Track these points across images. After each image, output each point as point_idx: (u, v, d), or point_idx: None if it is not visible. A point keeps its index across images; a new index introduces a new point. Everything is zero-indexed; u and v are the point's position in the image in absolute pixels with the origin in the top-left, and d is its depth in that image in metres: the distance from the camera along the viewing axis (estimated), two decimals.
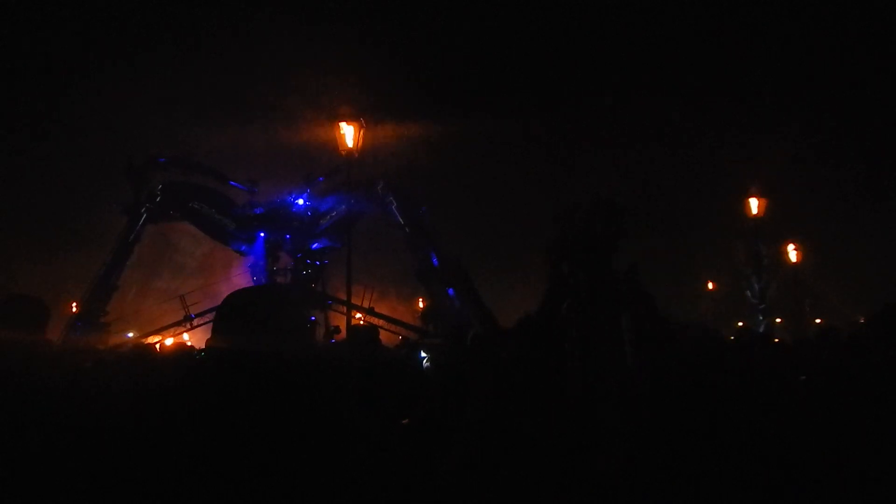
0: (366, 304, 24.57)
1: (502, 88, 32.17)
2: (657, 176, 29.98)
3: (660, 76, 32.60)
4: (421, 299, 28.01)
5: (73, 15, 27.90)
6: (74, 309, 23.95)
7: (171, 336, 22.17)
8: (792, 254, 23.92)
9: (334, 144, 19.36)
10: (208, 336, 1.83)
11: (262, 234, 26.16)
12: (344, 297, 23.22)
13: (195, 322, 23.92)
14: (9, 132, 24.47)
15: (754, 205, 20.90)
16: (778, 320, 26.66)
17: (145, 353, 5.89)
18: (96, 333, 20.31)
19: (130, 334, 22.21)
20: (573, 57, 33.18)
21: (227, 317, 1.83)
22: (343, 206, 25.34)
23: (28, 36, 27.03)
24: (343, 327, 17.77)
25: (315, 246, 26.84)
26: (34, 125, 26.38)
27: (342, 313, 21.97)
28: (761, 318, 24.25)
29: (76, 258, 24.81)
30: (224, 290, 25.20)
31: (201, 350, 10.52)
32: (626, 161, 29.77)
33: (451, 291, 25.55)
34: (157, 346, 11.92)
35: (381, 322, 22.94)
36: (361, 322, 19.04)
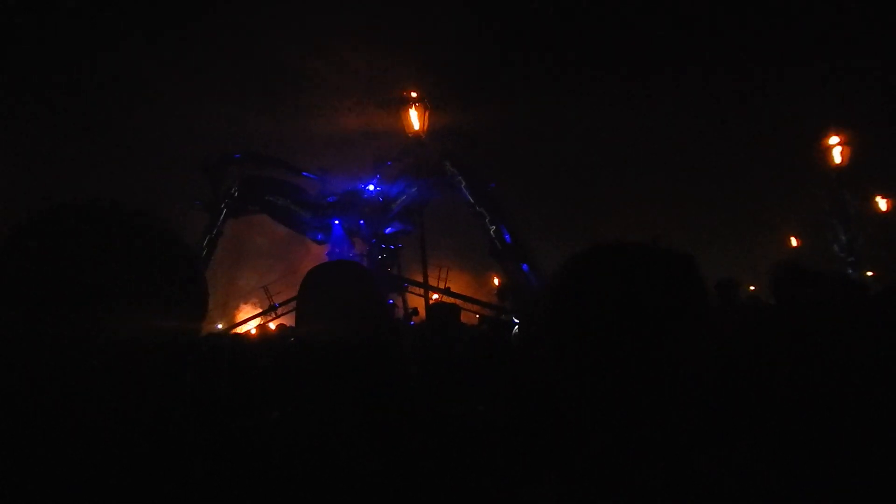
0: (441, 286, 24.82)
1: (566, 62, 31.31)
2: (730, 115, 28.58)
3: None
4: (495, 276, 28.05)
5: (128, 13, 28.52)
6: None
7: (259, 327, 23.04)
8: (881, 202, 22.76)
9: (400, 126, 19.53)
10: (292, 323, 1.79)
11: (337, 222, 26.72)
12: (417, 279, 23.61)
13: (279, 311, 24.77)
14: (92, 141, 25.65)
15: (837, 153, 20.01)
16: (869, 273, 25.44)
17: (237, 340, 6.23)
18: None
19: (220, 326, 23.22)
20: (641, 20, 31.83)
21: (312, 298, 1.75)
22: (413, 189, 25.59)
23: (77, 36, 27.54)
24: (421, 309, 18.09)
25: (388, 230, 27.22)
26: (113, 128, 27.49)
27: (419, 295, 22.31)
28: (850, 271, 23.20)
29: None
30: None
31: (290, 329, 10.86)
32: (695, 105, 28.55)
33: (525, 267, 25.51)
34: (246, 333, 12.46)
35: (458, 302, 23.16)
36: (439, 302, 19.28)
